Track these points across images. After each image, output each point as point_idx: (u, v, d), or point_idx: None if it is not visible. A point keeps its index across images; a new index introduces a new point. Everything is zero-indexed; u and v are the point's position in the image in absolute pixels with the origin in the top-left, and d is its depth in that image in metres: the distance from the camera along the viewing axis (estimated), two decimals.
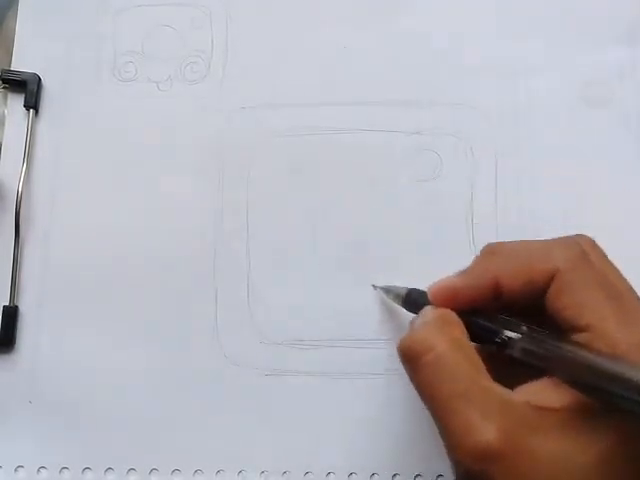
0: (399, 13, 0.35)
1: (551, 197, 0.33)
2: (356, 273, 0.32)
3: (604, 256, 0.24)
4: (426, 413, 0.30)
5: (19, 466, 0.31)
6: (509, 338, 0.23)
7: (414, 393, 0.30)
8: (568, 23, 0.34)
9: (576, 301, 0.22)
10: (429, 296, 0.25)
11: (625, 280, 0.24)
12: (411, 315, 0.27)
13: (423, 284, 0.32)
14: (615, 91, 0.34)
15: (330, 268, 0.32)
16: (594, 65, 0.34)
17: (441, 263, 0.32)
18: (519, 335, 0.23)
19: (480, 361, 0.22)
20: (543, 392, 0.22)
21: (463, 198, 0.33)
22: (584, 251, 0.24)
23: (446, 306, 0.25)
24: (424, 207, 0.33)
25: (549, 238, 0.25)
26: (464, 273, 0.25)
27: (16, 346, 0.32)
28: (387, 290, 0.30)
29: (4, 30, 0.36)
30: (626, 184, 0.33)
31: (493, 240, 0.31)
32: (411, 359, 0.23)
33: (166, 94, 0.35)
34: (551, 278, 0.23)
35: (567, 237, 0.25)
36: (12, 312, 0.32)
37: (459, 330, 0.24)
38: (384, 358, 0.31)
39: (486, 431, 0.20)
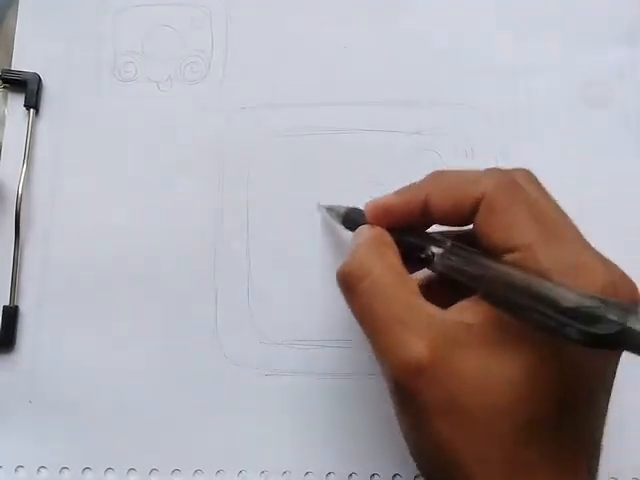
0: (399, 13, 0.35)
1: None
2: None
3: (537, 184, 0.25)
4: None
5: (19, 466, 0.31)
6: (433, 253, 0.24)
7: None
8: (568, 23, 0.34)
9: (503, 223, 0.23)
10: (365, 213, 0.26)
11: (556, 205, 0.24)
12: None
13: None
14: (615, 91, 0.34)
15: (330, 268, 0.32)
16: (594, 65, 0.34)
17: None
18: (442, 250, 0.24)
19: (412, 281, 0.23)
20: (471, 309, 0.22)
21: None
22: (514, 177, 0.24)
23: (380, 223, 0.26)
24: None
25: None
26: (399, 191, 0.26)
27: (16, 346, 0.32)
28: (330, 208, 0.31)
29: (4, 30, 0.36)
30: (626, 184, 0.33)
31: None
32: (349, 287, 0.24)
33: (166, 94, 0.34)
34: (478, 201, 0.23)
35: (506, 169, 0.25)
36: (12, 312, 0.32)
37: (392, 251, 0.25)
38: None
39: (416, 347, 0.21)
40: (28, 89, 0.34)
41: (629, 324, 0.17)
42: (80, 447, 0.31)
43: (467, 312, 0.22)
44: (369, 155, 0.33)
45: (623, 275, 0.22)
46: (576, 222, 0.32)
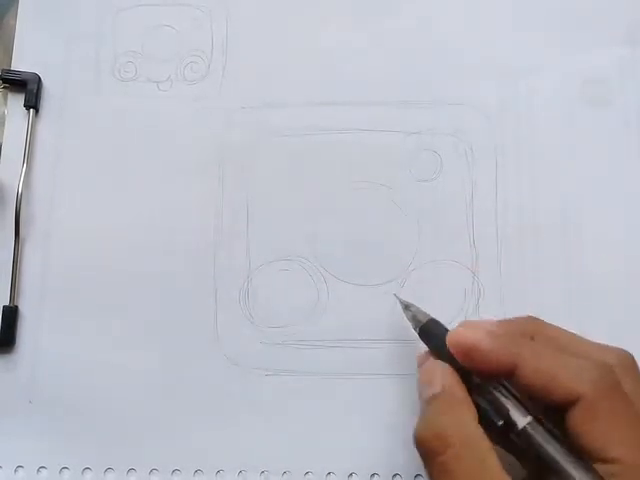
0: (399, 12, 0.35)
1: (551, 197, 0.33)
2: (356, 273, 0.32)
3: (635, 372, 0.23)
4: None
5: (19, 466, 0.31)
6: (514, 423, 0.23)
7: (413, 393, 0.31)
8: (568, 22, 0.34)
9: (602, 431, 0.21)
10: (448, 341, 0.25)
11: None
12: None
13: (423, 285, 0.32)
14: (615, 90, 0.33)
15: (330, 268, 0.32)
16: (594, 64, 0.34)
17: (441, 262, 0.32)
18: (527, 421, 0.22)
19: (492, 453, 0.22)
20: None
21: (463, 198, 0.32)
22: (617, 379, 0.22)
23: (462, 359, 0.24)
24: (424, 207, 0.33)
25: (591, 341, 0.24)
26: (493, 334, 0.24)
27: (16, 346, 0.32)
28: (407, 306, 0.29)
29: (4, 29, 0.35)
30: (626, 183, 0.33)
31: (493, 240, 0.32)
32: (427, 455, 0.23)
33: (166, 94, 0.34)
34: (574, 399, 0.22)
35: (605, 352, 0.24)
36: (12, 312, 0.32)
37: (468, 413, 0.23)
38: (384, 358, 0.31)
39: None
40: (28, 89, 0.34)
41: None
42: (80, 447, 0.31)
43: None
44: (369, 155, 0.33)
45: None
46: (576, 221, 0.32)
